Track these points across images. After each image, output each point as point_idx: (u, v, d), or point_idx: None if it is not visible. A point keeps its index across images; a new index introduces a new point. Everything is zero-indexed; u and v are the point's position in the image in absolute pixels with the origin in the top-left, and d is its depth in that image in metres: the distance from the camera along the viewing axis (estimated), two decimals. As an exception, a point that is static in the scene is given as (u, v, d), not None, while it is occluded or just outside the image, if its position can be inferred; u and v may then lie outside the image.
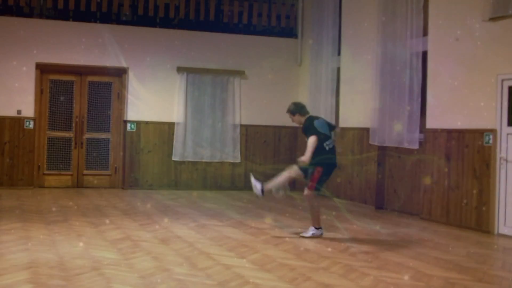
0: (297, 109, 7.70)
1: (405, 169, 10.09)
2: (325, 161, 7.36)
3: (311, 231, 7.53)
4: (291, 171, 7.57)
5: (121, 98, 12.53)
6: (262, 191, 7.46)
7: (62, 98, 12.18)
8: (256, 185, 7.49)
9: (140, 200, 10.71)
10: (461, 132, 8.68)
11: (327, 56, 12.19)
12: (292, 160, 13.18)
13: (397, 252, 6.74)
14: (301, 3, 13.47)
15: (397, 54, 9.92)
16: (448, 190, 8.86)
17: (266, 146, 13.23)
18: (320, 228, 7.58)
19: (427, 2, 9.52)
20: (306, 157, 7.27)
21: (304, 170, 7.47)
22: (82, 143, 12.33)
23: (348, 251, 6.71)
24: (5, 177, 11.68)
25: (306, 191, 7.46)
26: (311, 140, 7.31)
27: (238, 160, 12.92)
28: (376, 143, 10.40)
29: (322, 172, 7.36)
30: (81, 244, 6.57)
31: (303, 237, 7.47)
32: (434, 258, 6.51)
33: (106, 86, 12.54)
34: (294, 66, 13.48)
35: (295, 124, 8.17)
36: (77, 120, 12.31)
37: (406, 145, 9.69)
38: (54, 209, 9.18)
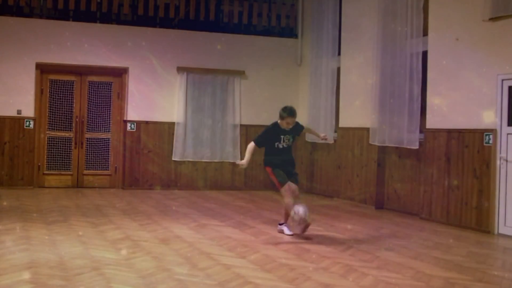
0: None
1: (405, 169, 10.09)
2: None
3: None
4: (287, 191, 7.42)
5: (121, 98, 12.54)
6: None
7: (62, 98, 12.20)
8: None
9: (140, 200, 10.70)
10: (461, 132, 8.68)
11: (327, 56, 12.19)
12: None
13: (397, 252, 6.73)
14: (301, 3, 13.47)
15: (397, 54, 9.92)
16: (448, 190, 8.86)
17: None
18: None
19: (427, 2, 9.51)
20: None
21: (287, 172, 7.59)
22: (82, 143, 12.33)
23: (348, 251, 6.70)
24: (5, 177, 11.69)
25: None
26: None
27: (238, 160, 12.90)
28: (376, 143, 10.40)
29: None
30: (81, 244, 6.58)
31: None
32: (434, 258, 6.50)
33: (106, 86, 12.54)
34: (294, 66, 13.47)
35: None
36: (77, 120, 12.31)
37: (406, 145, 9.70)
38: (54, 209, 9.19)
